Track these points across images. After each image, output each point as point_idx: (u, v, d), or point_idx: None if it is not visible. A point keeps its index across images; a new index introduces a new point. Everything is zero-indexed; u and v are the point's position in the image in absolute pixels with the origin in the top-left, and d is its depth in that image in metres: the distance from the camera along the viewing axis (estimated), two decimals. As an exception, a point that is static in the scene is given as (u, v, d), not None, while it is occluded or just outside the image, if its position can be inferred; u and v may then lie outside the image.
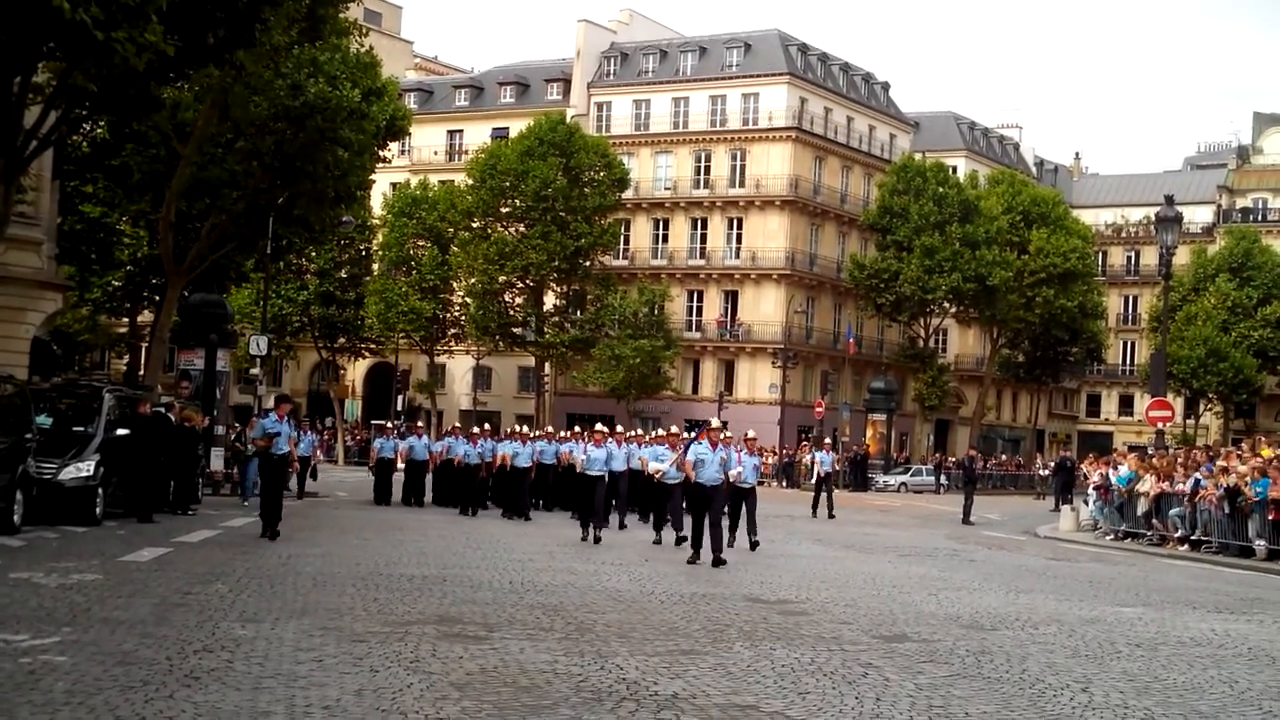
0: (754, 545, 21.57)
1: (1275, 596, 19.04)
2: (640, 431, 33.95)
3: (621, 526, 25.78)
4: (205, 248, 34.23)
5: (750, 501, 22.45)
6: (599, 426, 25.98)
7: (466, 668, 9.93)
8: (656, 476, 23.12)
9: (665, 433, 27.02)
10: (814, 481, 38.44)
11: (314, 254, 59.98)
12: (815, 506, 35.76)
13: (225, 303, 38.03)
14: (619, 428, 27.81)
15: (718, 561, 18.71)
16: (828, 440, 45.06)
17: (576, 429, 32.86)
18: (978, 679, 10.52)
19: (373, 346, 73.46)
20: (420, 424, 35.09)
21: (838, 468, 45.25)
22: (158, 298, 40.71)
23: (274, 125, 32.75)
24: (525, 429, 32.66)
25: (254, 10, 23.05)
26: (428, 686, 9.19)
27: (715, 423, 20.73)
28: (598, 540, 22.22)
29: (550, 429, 34.00)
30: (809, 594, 16.15)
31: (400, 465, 32.81)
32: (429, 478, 32.79)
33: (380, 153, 39.24)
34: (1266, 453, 27.46)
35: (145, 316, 50.90)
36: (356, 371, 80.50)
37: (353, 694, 8.85)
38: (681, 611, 13.83)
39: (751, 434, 24.47)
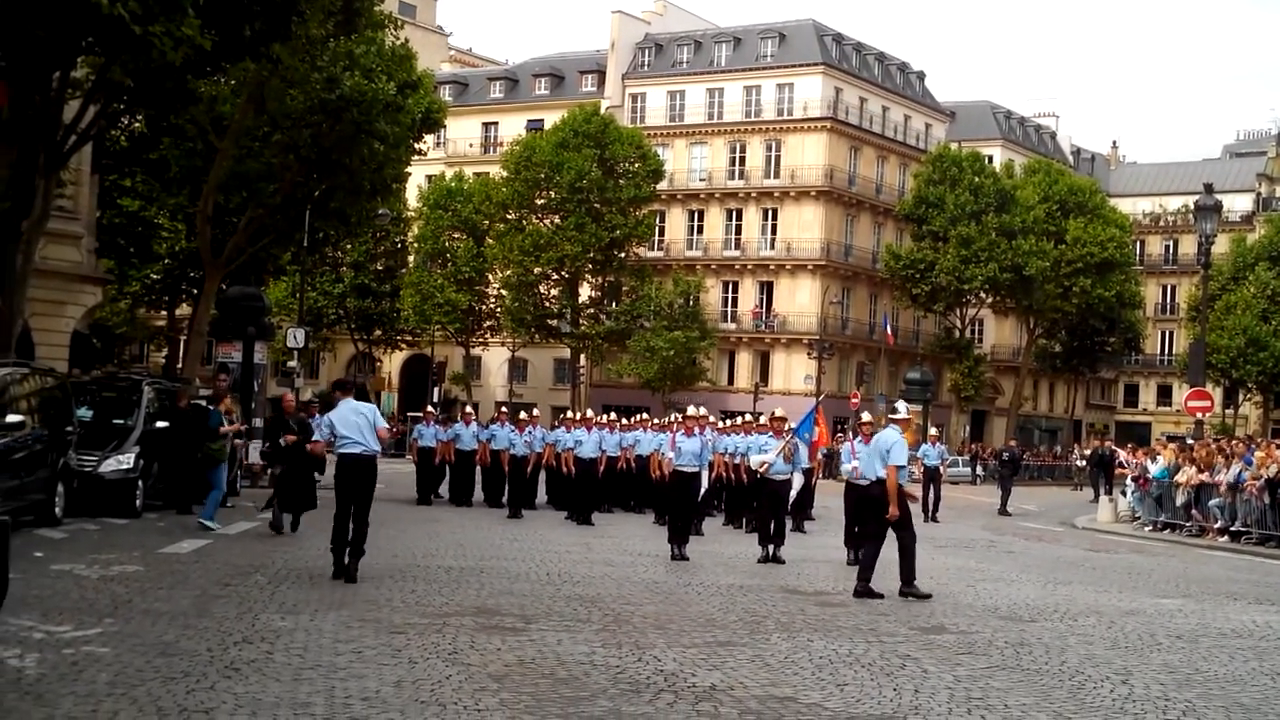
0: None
1: (1317, 588, 18.89)
2: (715, 419, 27.63)
3: (698, 533, 21.80)
4: (243, 241, 34.41)
5: None
6: (691, 410, 21.66)
7: (505, 659, 9.97)
8: (761, 470, 19.07)
9: (771, 417, 21.11)
10: (921, 479, 31.63)
11: (350, 247, 60.28)
12: (927, 508, 30.27)
13: (263, 295, 38.12)
14: (696, 410, 22.11)
15: (867, 590, 14.78)
16: (934, 431, 37.03)
17: (644, 416, 29.39)
18: (1017, 671, 10.49)
19: (409, 339, 73.77)
20: (469, 409, 31.29)
21: (945, 465, 35.56)
22: (196, 291, 40.96)
23: (310, 118, 32.88)
24: (591, 414, 28.70)
25: (290, 4, 23.13)
26: (466, 678, 9.23)
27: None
28: (684, 558, 18.20)
29: (613, 416, 29.11)
30: (846, 585, 16.10)
31: (446, 458, 28.71)
32: (477, 472, 28.58)
33: (416, 145, 39.40)
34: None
35: (183, 310, 51.24)
36: (393, 363, 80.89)
37: (392, 685, 8.90)
38: (719, 603, 13.84)
39: (867, 417, 19.16)
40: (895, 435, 15.12)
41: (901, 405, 15.94)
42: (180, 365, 42.71)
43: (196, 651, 9.73)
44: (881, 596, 14.64)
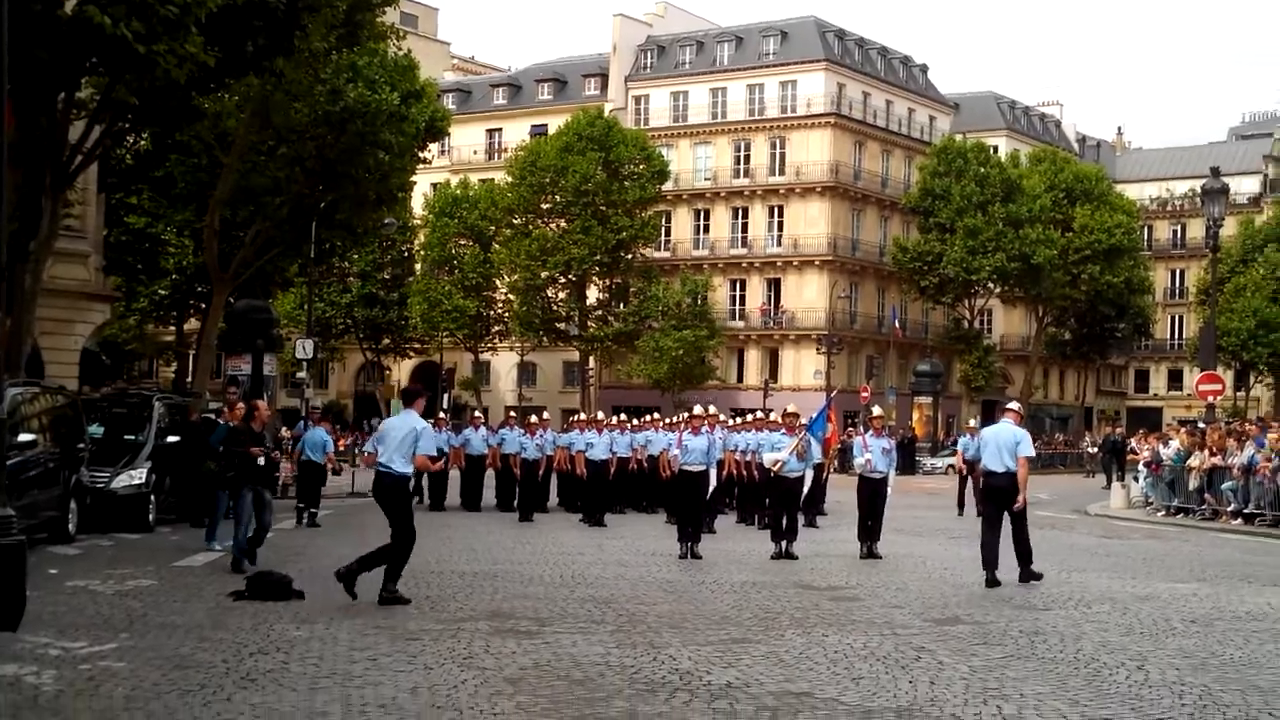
0: (873, 554, 18.88)
1: (1332, 569, 18.87)
2: (725, 417, 28.22)
3: (710, 531, 21.57)
4: (250, 254, 34.49)
5: (880, 497, 19.20)
6: (697, 409, 21.25)
7: (520, 663, 9.99)
8: (775, 469, 18.93)
9: (783, 413, 20.94)
10: (958, 474, 31.24)
11: (356, 257, 60.36)
12: (961, 503, 29.86)
13: (271, 308, 38.19)
14: (703, 409, 21.74)
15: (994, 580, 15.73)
16: (972, 423, 33.67)
17: (654, 416, 29.73)
18: (1032, 660, 10.50)
19: (417, 346, 73.88)
20: (478, 414, 31.31)
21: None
22: (204, 305, 41.05)
23: (315, 131, 32.95)
24: (601, 415, 28.55)
25: (292, 18, 23.23)
26: (482, 682, 9.26)
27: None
28: (697, 556, 18.25)
29: (624, 417, 29.12)
30: (859, 579, 16.15)
31: (456, 465, 28.31)
32: (488, 476, 28.43)
33: (420, 154, 39.40)
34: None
35: (192, 324, 51.28)
36: (402, 371, 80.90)
37: (408, 692, 8.93)
38: (732, 600, 13.86)
39: (877, 410, 20.85)
40: (1021, 430, 16.27)
41: (1013, 402, 17.54)
42: (190, 379, 42.83)
43: (212, 664, 9.77)
44: (1042, 576, 15.92)
